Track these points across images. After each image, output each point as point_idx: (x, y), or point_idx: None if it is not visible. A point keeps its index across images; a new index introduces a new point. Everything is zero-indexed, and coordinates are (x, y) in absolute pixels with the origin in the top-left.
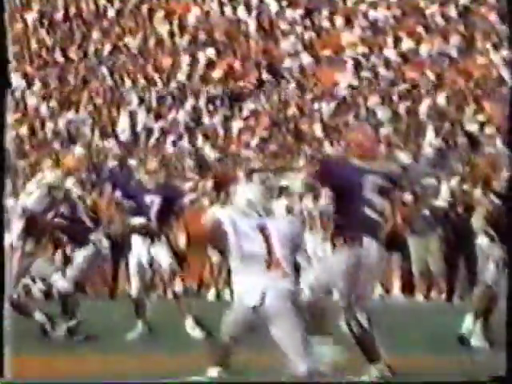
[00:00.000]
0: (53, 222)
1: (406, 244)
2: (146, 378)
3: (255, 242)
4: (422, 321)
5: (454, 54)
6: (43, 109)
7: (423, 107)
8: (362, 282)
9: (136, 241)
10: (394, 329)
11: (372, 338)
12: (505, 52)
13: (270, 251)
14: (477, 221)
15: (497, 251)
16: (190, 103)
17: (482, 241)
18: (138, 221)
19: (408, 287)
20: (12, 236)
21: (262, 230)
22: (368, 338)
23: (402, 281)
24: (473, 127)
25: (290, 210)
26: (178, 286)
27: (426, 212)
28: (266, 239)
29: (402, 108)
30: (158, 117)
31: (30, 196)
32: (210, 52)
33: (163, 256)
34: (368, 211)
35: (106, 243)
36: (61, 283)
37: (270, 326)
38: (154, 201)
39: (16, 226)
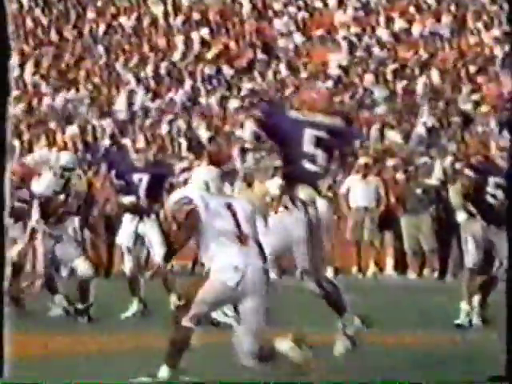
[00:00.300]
0: (65, 203)
1: (399, 223)
2: (142, 355)
3: (225, 218)
4: (415, 299)
5: (446, 33)
6: (40, 88)
7: (418, 86)
8: (319, 241)
9: (127, 219)
10: (387, 307)
11: (338, 290)
12: (495, 31)
13: (239, 227)
14: (454, 196)
15: (476, 227)
16: (187, 83)
17: (460, 217)
18: (128, 200)
19: (401, 265)
20: (31, 219)
21: (229, 207)
22: (336, 291)
23: (395, 259)
24: (467, 106)
25: (284, 190)
26: (164, 264)
27: (419, 191)
28: (234, 216)
29: (398, 87)
30: (156, 96)
31: (42, 179)
32: (204, 32)
33: (153, 233)
34: (308, 164)
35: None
36: (82, 268)
37: (240, 303)
38: (142, 178)
39: (34, 209)
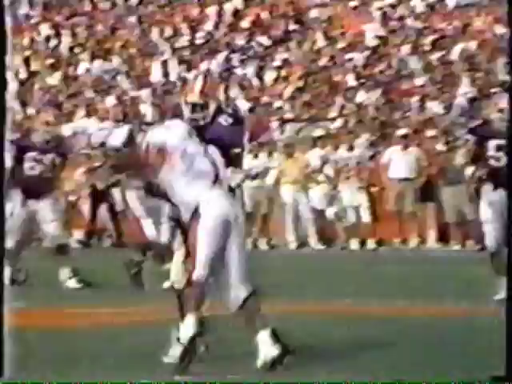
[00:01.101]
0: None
1: (440, 194)
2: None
3: (202, 162)
4: (457, 270)
5: (480, 4)
6: (75, 58)
7: (455, 57)
8: None
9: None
10: (430, 278)
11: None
12: None
13: (217, 172)
14: (460, 160)
15: (491, 193)
16: (222, 54)
17: (467, 172)
18: None
19: (444, 237)
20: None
21: (206, 152)
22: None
23: (437, 230)
24: (506, 77)
25: (325, 161)
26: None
27: (460, 161)
28: (212, 160)
29: (434, 58)
30: (192, 67)
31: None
32: (237, 2)
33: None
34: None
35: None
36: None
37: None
38: None
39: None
